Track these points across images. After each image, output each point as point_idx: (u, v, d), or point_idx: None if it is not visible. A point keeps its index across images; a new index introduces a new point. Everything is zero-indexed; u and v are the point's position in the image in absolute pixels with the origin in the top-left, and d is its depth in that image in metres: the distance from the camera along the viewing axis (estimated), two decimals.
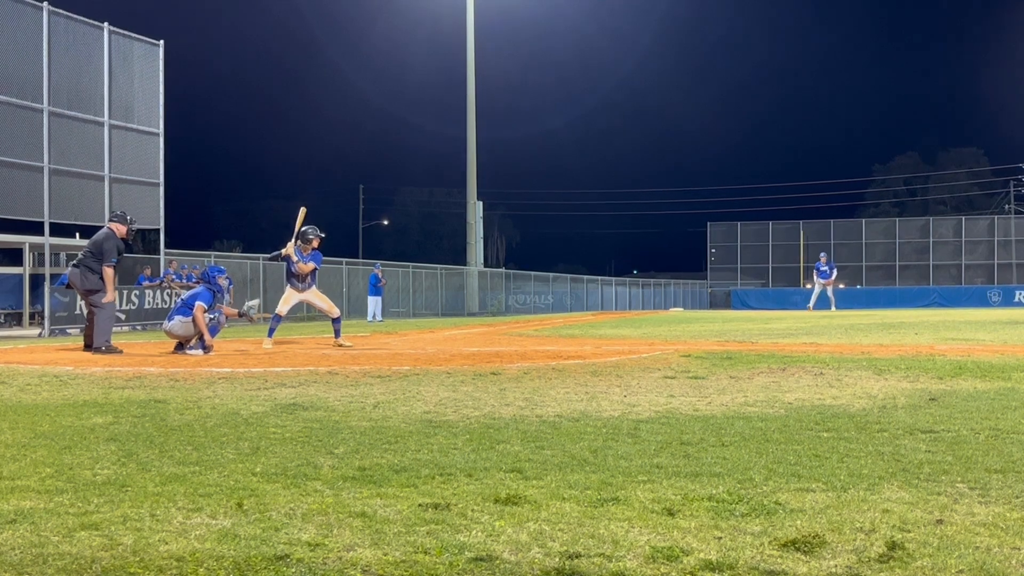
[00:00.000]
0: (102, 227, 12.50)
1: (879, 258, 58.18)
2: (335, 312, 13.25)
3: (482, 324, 25.19)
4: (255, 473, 3.78)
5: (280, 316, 13.05)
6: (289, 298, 13.01)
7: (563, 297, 50.56)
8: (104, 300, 11.52)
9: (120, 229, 11.90)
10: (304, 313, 26.11)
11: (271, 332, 12.79)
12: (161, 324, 13.02)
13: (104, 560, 2.59)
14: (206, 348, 11.03)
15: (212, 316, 11.33)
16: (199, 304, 11.07)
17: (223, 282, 11.64)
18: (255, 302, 12.83)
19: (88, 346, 11.61)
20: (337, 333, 13.12)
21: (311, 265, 12.83)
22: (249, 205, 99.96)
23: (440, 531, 2.89)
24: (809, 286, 35.67)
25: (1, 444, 4.53)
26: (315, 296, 13.26)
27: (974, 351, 10.68)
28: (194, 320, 11.04)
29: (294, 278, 12.91)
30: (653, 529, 2.90)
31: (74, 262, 11.99)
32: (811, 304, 33.89)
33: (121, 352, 11.29)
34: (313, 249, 12.89)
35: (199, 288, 11.59)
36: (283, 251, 12.86)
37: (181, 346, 11.23)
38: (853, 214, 75.41)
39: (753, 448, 4.33)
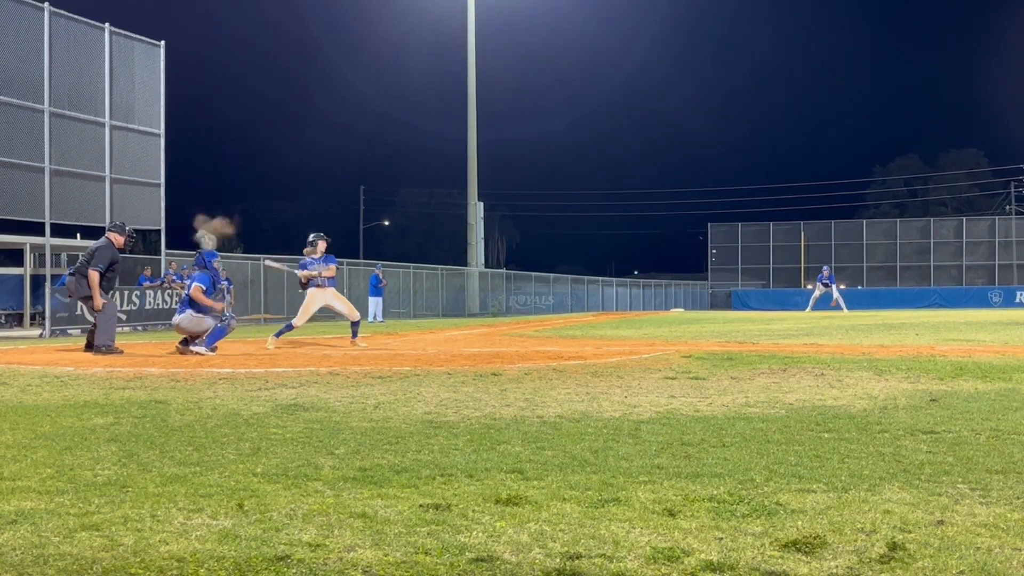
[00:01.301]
0: (102, 228, 12.68)
1: (880, 259, 58.14)
2: (356, 315, 13.19)
3: (483, 325, 25.19)
4: (256, 474, 3.78)
5: (293, 326, 13.04)
6: (310, 305, 12.87)
7: (564, 298, 50.56)
8: (94, 307, 11.67)
9: (118, 239, 12.02)
10: None
11: (279, 333, 12.81)
12: (162, 324, 13.04)
13: (105, 561, 2.59)
14: (211, 346, 11.08)
15: (225, 318, 11.43)
16: (196, 285, 11.20)
17: (218, 266, 11.76)
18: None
19: (89, 346, 11.65)
20: (355, 334, 13.09)
21: (332, 267, 12.83)
22: (250, 206, 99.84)
23: (441, 532, 2.89)
24: (810, 286, 37.62)
25: (2, 445, 4.53)
26: (335, 298, 13.17)
27: (975, 352, 10.68)
28: (191, 299, 11.11)
29: (315, 284, 12.82)
30: (654, 530, 2.90)
31: (70, 271, 12.26)
32: (809, 307, 36.95)
33: (121, 353, 11.31)
34: (324, 253, 12.87)
35: (195, 273, 11.72)
36: (302, 279, 12.78)
37: (187, 341, 11.26)
38: (854, 215, 75.41)
39: (754, 449, 4.33)
